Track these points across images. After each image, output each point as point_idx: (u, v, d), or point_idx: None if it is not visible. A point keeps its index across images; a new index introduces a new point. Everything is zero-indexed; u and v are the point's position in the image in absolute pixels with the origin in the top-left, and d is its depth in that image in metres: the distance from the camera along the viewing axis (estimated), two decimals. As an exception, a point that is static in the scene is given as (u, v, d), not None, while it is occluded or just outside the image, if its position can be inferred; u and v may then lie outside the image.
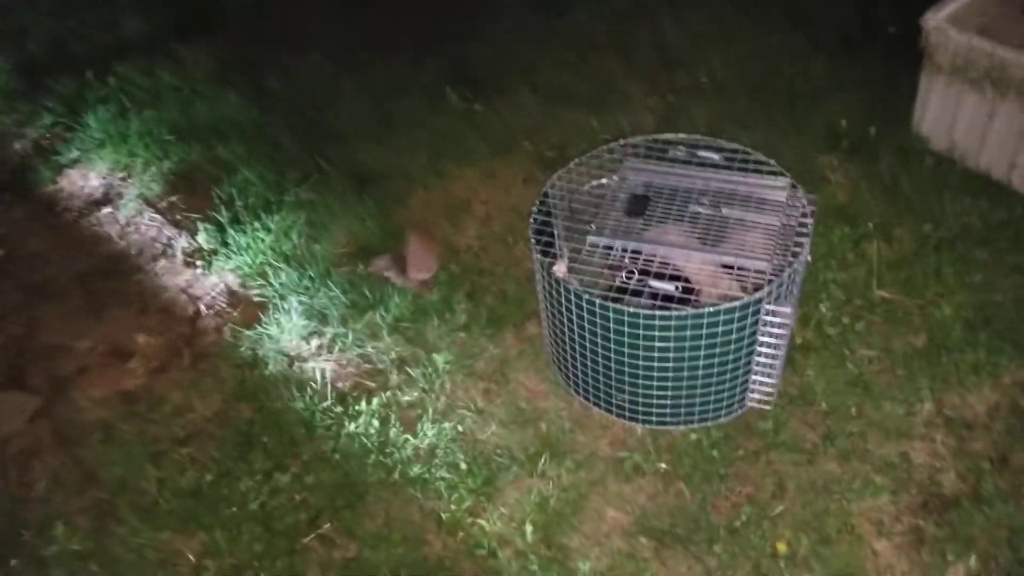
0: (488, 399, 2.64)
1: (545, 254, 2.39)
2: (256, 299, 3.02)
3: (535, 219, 2.45)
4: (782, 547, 2.24)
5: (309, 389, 2.70)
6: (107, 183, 3.58)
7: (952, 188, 3.00)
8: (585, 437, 2.51)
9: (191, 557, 2.36)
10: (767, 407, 2.47)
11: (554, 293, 2.36)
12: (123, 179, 3.59)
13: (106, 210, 3.47)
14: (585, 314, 2.29)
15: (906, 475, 2.35)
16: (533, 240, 2.40)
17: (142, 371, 2.84)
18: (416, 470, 2.48)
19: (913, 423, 2.45)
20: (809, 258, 2.40)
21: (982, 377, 2.50)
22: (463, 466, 2.47)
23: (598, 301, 2.23)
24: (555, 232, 2.48)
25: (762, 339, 2.30)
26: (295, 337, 2.86)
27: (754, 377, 2.41)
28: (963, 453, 2.37)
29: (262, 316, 2.94)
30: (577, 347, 2.41)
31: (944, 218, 2.92)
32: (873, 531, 2.25)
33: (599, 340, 2.32)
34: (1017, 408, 2.43)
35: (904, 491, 2.32)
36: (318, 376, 2.73)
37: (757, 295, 2.18)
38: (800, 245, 2.31)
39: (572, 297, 2.28)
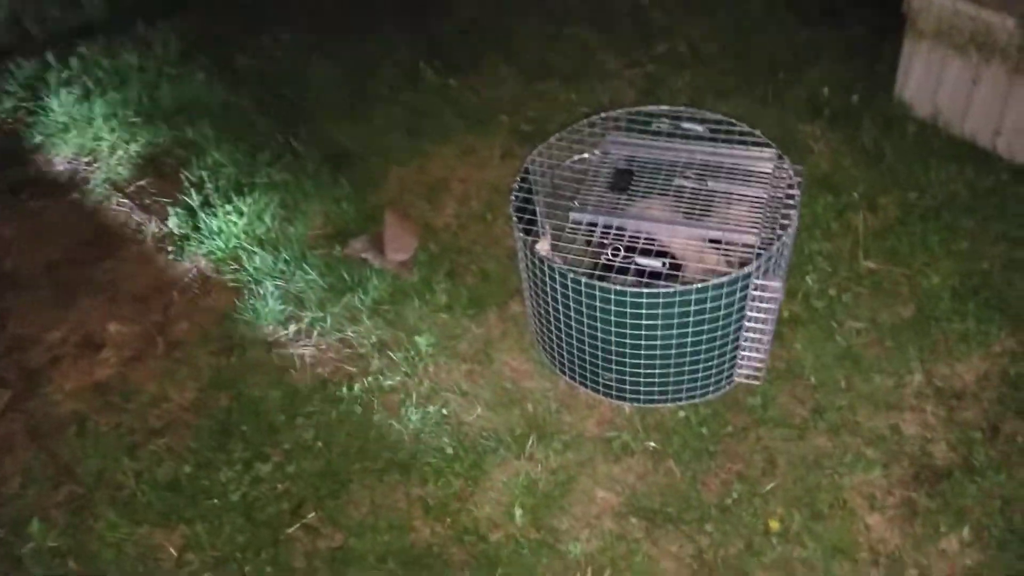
0: (472, 381, 2.56)
1: (527, 232, 2.32)
2: (230, 284, 2.91)
3: (516, 196, 2.37)
4: (774, 524, 2.19)
5: (288, 376, 2.61)
6: (73, 168, 3.42)
7: (937, 155, 2.95)
8: (572, 417, 2.45)
9: (172, 551, 2.28)
10: (755, 382, 2.41)
11: (537, 272, 2.28)
12: (89, 164, 3.43)
13: (73, 196, 3.31)
14: (570, 293, 2.21)
15: (897, 447, 2.30)
16: (515, 218, 2.32)
17: (115, 361, 2.73)
18: (401, 456, 2.40)
19: (903, 395, 2.40)
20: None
21: (971, 346, 2.45)
22: (449, 450, 2.40)
23: (583, 280, 2.16)
24: (537, 209, 2.42)
25: (750, 314, 2.23)
26: (272, 322, 2.76)
27: (742, 352, 2.35)
28: (954, 423, 2.33)
29: (237, 302, 2.83)
30: (562, 326, 2.33)
31: (929, 186, 2.87)
32: (865, 505, 2.21)
33: (584, 319, 2.25)
34: (1007, 377, 2.38)
35: (895, 464, 2.27)
36: (297, 362, 2.64)
37: (746, 270, 2.12)
38: (788, 217, 2.24)
39: (556, 276, 2.21)
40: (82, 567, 2.26)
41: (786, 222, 2.23)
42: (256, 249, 2.95)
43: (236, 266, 2.94)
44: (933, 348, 2.47)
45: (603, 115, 2.52)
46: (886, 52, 3.13)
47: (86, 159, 3.43)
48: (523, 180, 2.42)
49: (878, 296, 2.62)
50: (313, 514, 2.30)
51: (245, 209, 3.06)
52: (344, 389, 2.55)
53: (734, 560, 2.14)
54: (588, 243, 2.30)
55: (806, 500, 2.22)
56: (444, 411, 2.49)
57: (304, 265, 2.87)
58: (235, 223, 3.02)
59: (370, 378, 2.57)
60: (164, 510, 2.34)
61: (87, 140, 3.48)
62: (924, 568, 2.09)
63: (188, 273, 2.97)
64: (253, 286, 2.86)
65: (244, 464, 2.41)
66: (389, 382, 2.57)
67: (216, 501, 2.34)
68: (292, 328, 2.74)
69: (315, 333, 2.72)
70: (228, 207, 3.07)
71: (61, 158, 3.45)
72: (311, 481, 2.37)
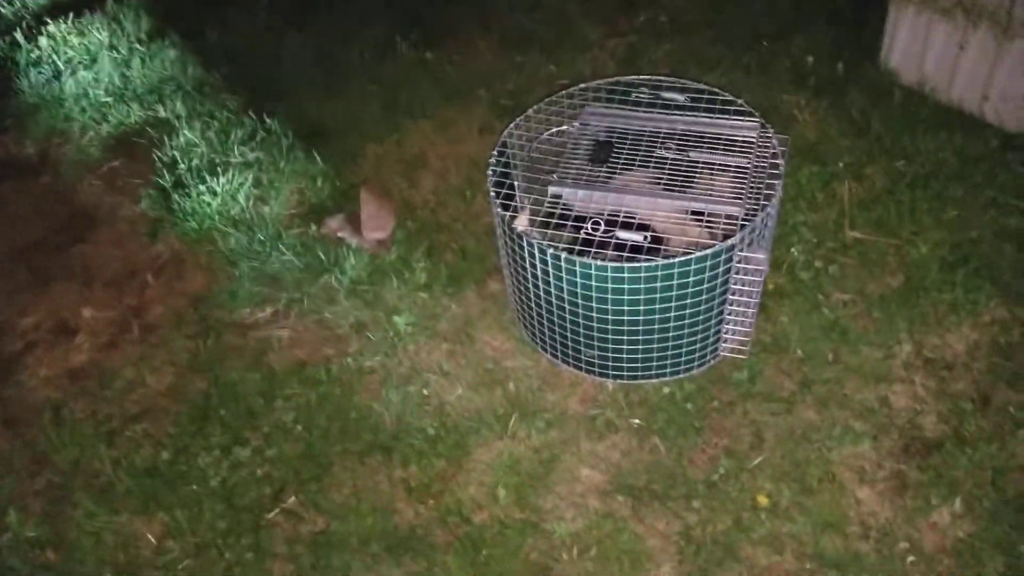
0: (453, 360, 2.47)
1: (505, 207, 2.23)
2: (205, 266, 2.80)
3: (493, 171, 2.28)
4: (763, 499, 2.11)
5: (266, 358, 2.51)
6: (43, 149, 3.28)
7: (924, 123, 2.85)
8: (555, 395, 2.37)
9: (152, 539, 2.20)
10: (741, 357, 2.34)
11: (516, 248, 2.17)
12: (60, 145, 3.28)
13: (44, 179, 3.17)
14: (550, 269, 2.11)
15: (887, 420, 2.22)
16: (492, 193, 2.23)
17: (90, 347, 2.62)
18: (382, 438, 2.32)
19: (892, 366, 2.32)
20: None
21: (961, 316, 2.37)
22: (431, 431, 2.32)
23: (563, 255, 2.06)
24: (515, 184, 2.36)
25: (735, 287, 2.15)
26: (248, 304, 2.66)
27: (727, 327, 2.27)
28: (944, 395, 2.25)
29: (212, 284, 2.73)
30: (543, 303, 2.24)
31: (917, 155, 2.77)
32: (855, 479, 2.13)
33: (565, 295, 2.15)
34: (998, 346, 2.30)
35: (885, 436, 2.19)
36: (274, 344, 2.55)
37: (729, 242, 2.03)
38: (772, 187, 2.14)
39: (535, 252, 2.10)
40: (60, 557, 2.18)
41: (770, 192, 2.13)
42: (230, 230, 2.85)
43: (211, 247, 2.83)
44: (922, 319, 2.38)
45: (582, 86, 2.43)
46: (871, 19, 3.02)
47: (57, 140, 3.29)
48: (500, 154, 2.33)
49: (865, 267, 2.54)
50: (294, 498, 2.22)
51: (219, 189, 2.94)
52: (323, 371, 2.46)
53: (722, 537, 2.07)
54: (567, 217, 2.20)
55: (795, 475, 2.14)
56: (425, 391, 2.40)
57: (280, 245, 2.78)
58: (209, 204, 2.91)
59: (349, 359, 2.49)
60: (143, 497, 2.26)
61: (58, 121, 3.34)
62: (915, 541, 2.02)
63: (162, 256, 2.85)
64: (228, 268, 2.76)
65: (223, 449, 2.33)
66: (368, 363, 2.48)
67: (195, 487, 2.26)
68: (268, 310, 2.65)
69: (292, 314, 2.63)
70: (201, 187, 2.95)
71: (31, 140, 3.31)
72: (292, 465, 2.29)
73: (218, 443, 2.34)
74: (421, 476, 2.24)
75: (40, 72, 3.49)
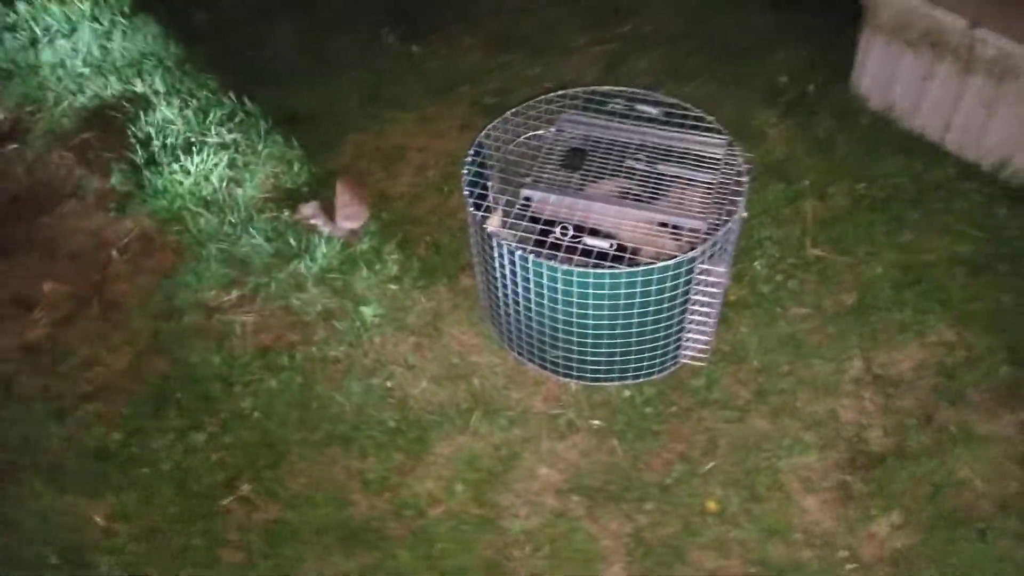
0: (419, 354, 2.42)
1: (478, 206, 2.19)
2: (173, 246, 2.70)
3: (468, 169, 2.25)
4: (712, 505, 2.11)
5: (228, 343, 2.44)
6: (15, 117, 3.12)
7: (887, 147, 2.86)
8: (519, 393, 2.33)
9: (99, 520, 2.11)
10: (700, 364, 2.33)
11: (487, 248, 2.14)
12: (32, 113, 3.13)
13: (12, 146, 3.02)
14: (518, 270, 2.08)
15: (834, 432, 2.23)
16: (466, 192, 2.20)
17: (47, 322, 2.50)
18: (342, 429, 2.27)
19: (842, 380, 2.33)
20: (745, 215, 2.24)
21: (909, 336, 2.38)
22: (392, 424, 2.27)
23: (531, 257, 2.03)
24: (489, 185, 2.33)
25: (696, 297, 2.15)
26: (214, 287, 2.58)
27: (687, 335, 2.27)
28: (890, 410, 2.26)
29: (179, 264, 2.64)
30: (511, 303, 2.21)
31: (878, 178, 2.79)
32: (801, 488, 2.13)
33: (532, 297, 2.13)
34: (943, 367, 2.31)
35: (832, 448, 2.20)
36: (238, 329, 2.48)
37: (691, 254, 2.03)
38: (735, 204, 2.15)
39: (505, 252, 2.07)
40: (5, 537, 2.08)
41: (733, 208, 2.14)
42: (201, 210, 2.76)
43: (180, 227, 2.74)
44: (873, 336, 2.40)
45: (560, 93, 2.43)
46: (844, 43, 3.01)
47: (29, 109, 3.13)
48: (476, 154, 2.30)
49: (823, 283, 2.54)
50: (248, 486, 2.16)
51: (192, 168, 2.84)
52: (286, 358, 2.40)
53: (671, 539, 2.06)
54: (538, 220, 2.18)
55: (745, 482, 2.14)
56: (388, 384, 2.35)
57: (250, 229, 2.70)
58: (181, 183, 2.81)
59: (313, 348, 2.43)
60: (92, 479, 2.17)
61: (31, 89, 3.18)
62: (854, 550, 2.03)
63: (129, 233, 2.74)
64: (196, 248, 2.68)
65: (178, 433, 2.25)
66: (333, 352, 2.43)
67: (147, 470, 2.19)
68: (235, 293, 2.57)
69: (258, 299, 2.56)
70: (175, 166, 2.85)
71: (2, 107, 3.14)
72: (248, 452, 2.22)
73: (173, 427, 2.26)
74: (379, 468, 2.19)
75: (16, 38, 3.32)
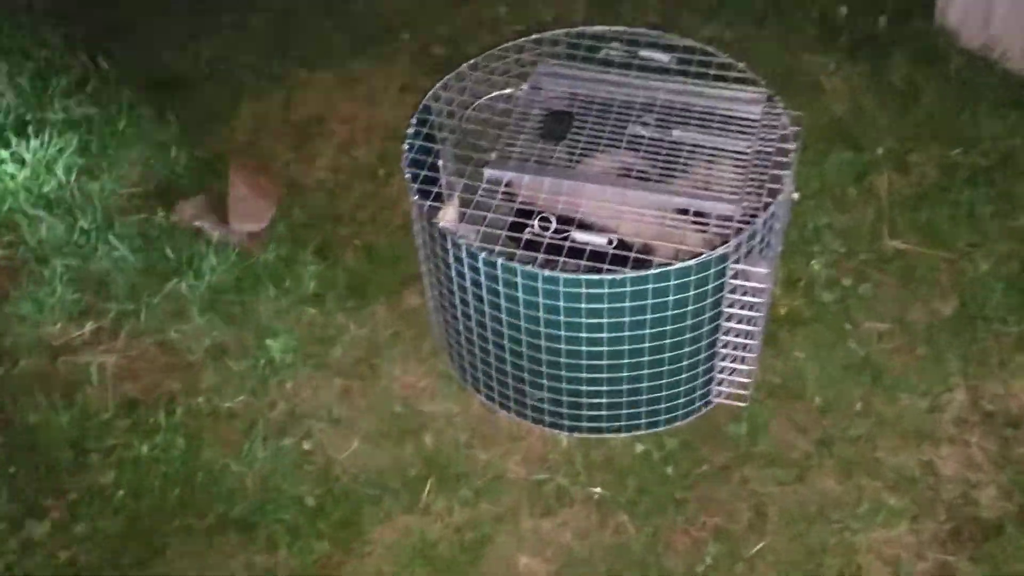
0: (349, 403, 2.51)
1: (425, 195, 2.27)
2: (3, 263, 2.81)
3: (411, 144, 2.35)
4: (762, 601, 2.14)
5: (81, 395, 2.53)
6: None
7: (988, 99, 2.99)
8: (488, 453, 2.40)
9: None
10: (740, 404, 2.40)
11: (439, 251, 2.21)
12: None
13: None
14: (483, 279, 2.14)
15: (932, 493, 2.29)
16: (409, 176, 2.29)
17: None
18: (241, 510, 2.32)
19: (940, 421, 2.40)
20: (796, 196, 2.32)
21: (1031, 356, 2.50)
22: (310, 501, 2.32)
23: (500, 261, 2.08)
24: (440, 164, 2.40)
25: (731, 310, 2.21)
26: (60, 318, 2.69)
27: (721, 363, 2.33)
28: (1007, 461, 2.32)
29: (11, 289, 2.75)
30: (474, 326, 2.27)
31: (978, 140, 2.90)
32: (888, 572, 2.17)
33: (504, 315, 2.18)
34: (1077, 398, 2.43)
35: (928, 516, 2.25)
36: (95, 375, 2.57)
37: (721, 250, 2.08)
38: (780, 180, 2.22)
39: (464, 256, 2.13)
40: None
41: (777, 187, 2.20)
42: (42, 213, 2.88)
43: (12, 237, 2.86)
44: (981, 358, 2.48)
45: (534, 38, 2.51)
46: (925, -40, 3.20)
47: None
48: (422, 123, 2.39)
49: (908, 287, 2.64)
50: (111, 594, 2.22)
51: (28, 157, 2.98)
52: (162, 414, 2.48)
53: (709, 652, 2.12)
54: (509, 212, 2.25)
55: (807, 566, 2.19)
56: (306, 446, 2.43)
57: (111, 237, 2.81)
58: (13, 176, 2.95)
59: (201, 398, 2.52)
60: None
61: None
62: (963, 659, 2.09)
63: (-59, 248, 2.86)
64: (35, 265, 2.78)
65: (11, 523, 2.30)
66: (228, 404, 2.51)
67: (-36, 579, 2.25)
68: (89, 326, 2.67)
69: (122, 333, 2.66)
70: (3, 153, 2.98)
71: None
72: (108, 546, 2.27)
73: (3, 515, 2.30)
74: (294, 564, 2.23)
75: None
